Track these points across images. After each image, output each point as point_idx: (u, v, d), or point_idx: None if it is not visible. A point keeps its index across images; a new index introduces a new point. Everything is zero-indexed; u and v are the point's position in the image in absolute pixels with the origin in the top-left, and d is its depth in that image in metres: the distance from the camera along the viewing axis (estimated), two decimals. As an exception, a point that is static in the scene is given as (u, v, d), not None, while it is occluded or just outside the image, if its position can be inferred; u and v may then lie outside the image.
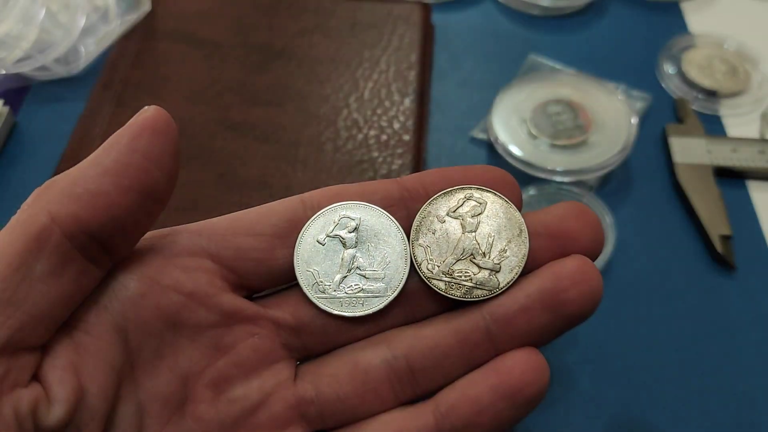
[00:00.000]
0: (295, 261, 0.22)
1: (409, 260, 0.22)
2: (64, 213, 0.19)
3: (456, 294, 0.22)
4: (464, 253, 0.22)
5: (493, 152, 0.41)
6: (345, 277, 0.22)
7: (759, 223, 0.38)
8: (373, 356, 0.22)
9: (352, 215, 0.23)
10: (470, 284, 0.22)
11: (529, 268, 0.22)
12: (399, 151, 0.39)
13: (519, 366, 0.21)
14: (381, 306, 0.22)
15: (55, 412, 0.18)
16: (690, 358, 0.33)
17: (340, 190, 0.23)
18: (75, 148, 0.40)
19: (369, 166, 0.38)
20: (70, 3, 0.44)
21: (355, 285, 0.22)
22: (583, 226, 0.22)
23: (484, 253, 0.22)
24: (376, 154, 0.39)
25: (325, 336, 0.22)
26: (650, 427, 0.31)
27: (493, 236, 0.22)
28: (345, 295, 0.22)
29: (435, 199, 0.23)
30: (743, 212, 0.39)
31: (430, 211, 0.23)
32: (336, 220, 0.23)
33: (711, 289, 0.36)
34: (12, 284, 0.18)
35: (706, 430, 0.31)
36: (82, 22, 0.44)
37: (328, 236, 0.23)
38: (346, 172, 0.38)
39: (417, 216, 0.23)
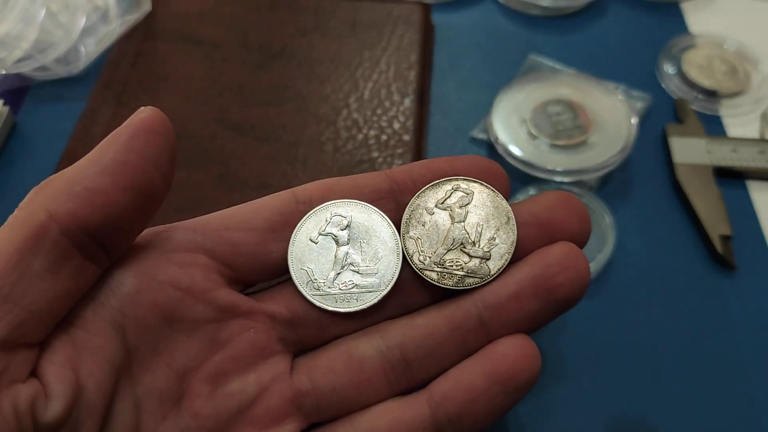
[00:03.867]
0: (289, 260, 0.23)
1: (400, 255, 0.23)
2: (61, 211, 0.19)
3: (448, 283, 0.22)
4: (454, 243, 0.23)
5: (493, 152, 0.41)
6: (339, 273, 0.23)
7: (759, 223, 0.38)
8: (367, 347, 0.22)
9: (344, 213, 0.23)
10: (462, 273, 0.22)
11: (518, 257, 0.22)
12: (399, 151, 0.39)
13: (511, 352, 0.21)
14: (375, 301, 0.22)
15: (53, 408, 0.18)
16: (690, 357, 0.33)
17: (331, 184, 0.24)
18: (75, 147, 0.40)
19: (369, 166, 0.38)
20: (70, 3, 0.44)
21: (348, 281, 0.23)
22: (569, 214, 0.22)
23: (473, 242, 0.23)
24: (376, 154, 0.39)
25: (320, 329, 0.23)
26: (649, 427, 0.31)
27: (482, 225, 0.23)
28: (339, 291, 0.23)
29: (423, 191, 0.23)
30: (743, 212, 0.39)
31: (418, 204, 0.23)
32: (328, 218, 0.23)
33: (711, 289, 0.36)
34: (10, 281, 0.18)
35: (705, 429, 0.31)
36: (82, 22, 0.44)
37: (320, 234, 0.23)
38: (346, 172, 0.38)
39: (406, 209, 0.23)
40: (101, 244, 0.20)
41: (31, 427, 0.18)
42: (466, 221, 0.23)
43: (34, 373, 0.19)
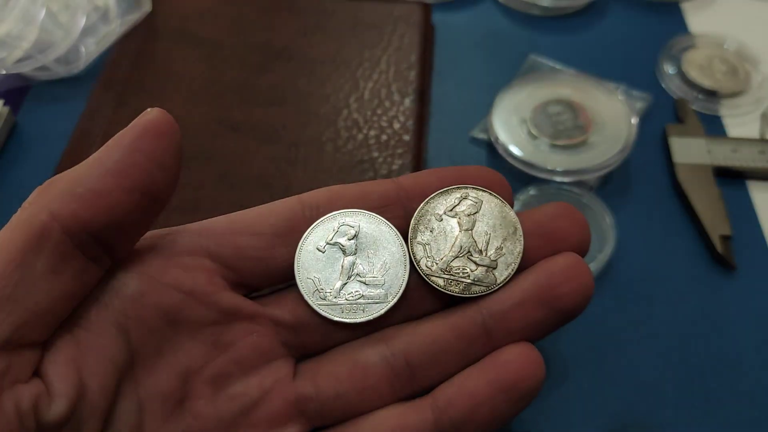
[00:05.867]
0: (295, 268, 0.23)
1: (408, 266, 0.23)
2: (64, 212, 0.19)
3: (454, 290, 0.22)
4: (462, 251, 0.23)
5: (493, 152, 0.41)
6: (345, 284, 0.23)
7: (759, 223, 0.38)
8: (371, 353, 0.22)
9: (352, 222, 0.23)
10: (468, 281, 0.22)
11: (522, 266, 0.22)
12: (399, 151, 0.39)
13: (515, 360, 0.21)
14: (381, 312, 0.22)
15: (56, 408, 0.18)
16: (690, 357, 0.33)
17: (338, 191, 0.24)
18: (75, 147, 0.40)
19: (369, 166, 0.38)
20: (71, 3, 0.44)
21: (355, 292, 0.23)
22: (572, 225, 0.23)
23: (481, 250, 0.23)
24: (376, 154, 0.39)
25: (324, 335, 0.23)
26: (650, 427, 0.31)
27: (489, 234, 0.23)
28: (345, 301, 0.22)
29: (432, 198, 0.23)
30: (743, 212, 0.39)
31: (427, 210, 0.23)
32: (335, 228, 0.23)
33: (711, 289, 0.36)
34: (13, 281, 0.18)
35: (705, 429, 0.31)
36: (82, 22, 0.44)
37: (327, 244, 0.23)
38: (347, 172, 0.38)
39: (415, 215, 0.23)
40: (104, 244, 0.20)
41: (33, 427, 0.18)
42: (474, 229, 0.23)
43: (37, 373, 0.19)
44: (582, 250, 0.23)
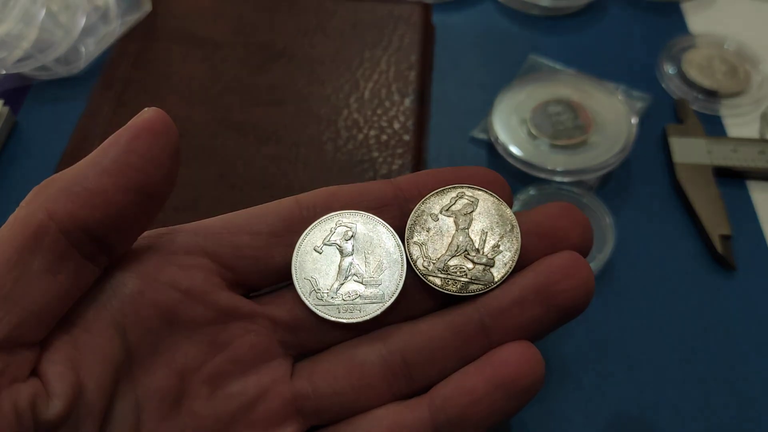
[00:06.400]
0: (292, 269, 0.23)
1: (405, 266, 0.23)
2: (61, 211, 0.19)
3: (452, 289, 0.22)
4: (458, 250, 0.23)
5: (493, 152, 0.41)
6: (342, 284, 0.23)
7: (759, 223, 0.38)
8: (368, 351, 0.22)
9: (349, 223, 0.23)
10: (465, 279, 0.22)
11: (521, 266, 0.22)
12: (399, 151, 0.39)
13: (513, 357, 0.21)
14: (378, 312, 0.22)
15: (54, 407, 0.18)
16: (690, 358, 0.33)
17: (335, 191, 0.24)
18: (75, 147, 0.40)
19: (369, 166, 0.38)
20: (71, 3, 0.44)
21: (352, 292, 0.23)
22: (572, 225, 0.22)
23: (477, 249, 0.22)
24: (376, 154, 0.39)
25: (321, 334, 0.23)
26: (650, 426, 0.31)
27: (486, 232, 0.23)
28: (342, 301, 0.22)
29: (428, 198, 0.23)
30: (743, 212, 0.39)
31: (423, 210, 0.23)
32: (333, 228, 0.23)
33: (711, 289, 0.36)
34: (9, 280, 0.18)
35: (705, 428, 0.31)
36: (82, 22, 0.44)
37: (325, 244, 0.23)
38: (347, 172, 0.38)
39: (411, 215, 0.23)
40: (101, 244, 0.20)
41: (31, 426, 0.18)
42: (470, 228, 0.23)
43: (35, 372, 0.19)
44: (584, 250, 0.22)
